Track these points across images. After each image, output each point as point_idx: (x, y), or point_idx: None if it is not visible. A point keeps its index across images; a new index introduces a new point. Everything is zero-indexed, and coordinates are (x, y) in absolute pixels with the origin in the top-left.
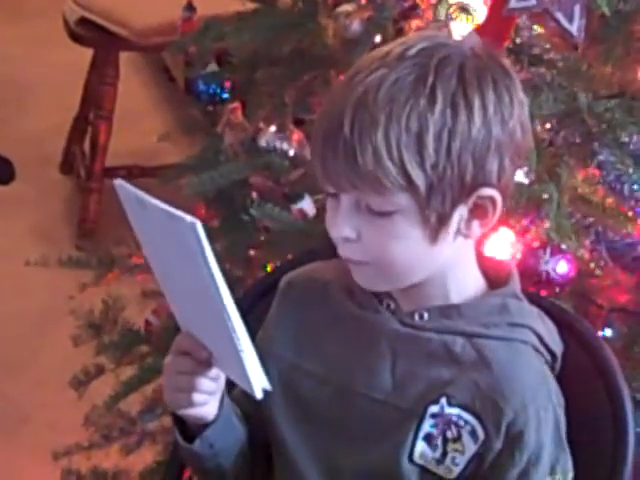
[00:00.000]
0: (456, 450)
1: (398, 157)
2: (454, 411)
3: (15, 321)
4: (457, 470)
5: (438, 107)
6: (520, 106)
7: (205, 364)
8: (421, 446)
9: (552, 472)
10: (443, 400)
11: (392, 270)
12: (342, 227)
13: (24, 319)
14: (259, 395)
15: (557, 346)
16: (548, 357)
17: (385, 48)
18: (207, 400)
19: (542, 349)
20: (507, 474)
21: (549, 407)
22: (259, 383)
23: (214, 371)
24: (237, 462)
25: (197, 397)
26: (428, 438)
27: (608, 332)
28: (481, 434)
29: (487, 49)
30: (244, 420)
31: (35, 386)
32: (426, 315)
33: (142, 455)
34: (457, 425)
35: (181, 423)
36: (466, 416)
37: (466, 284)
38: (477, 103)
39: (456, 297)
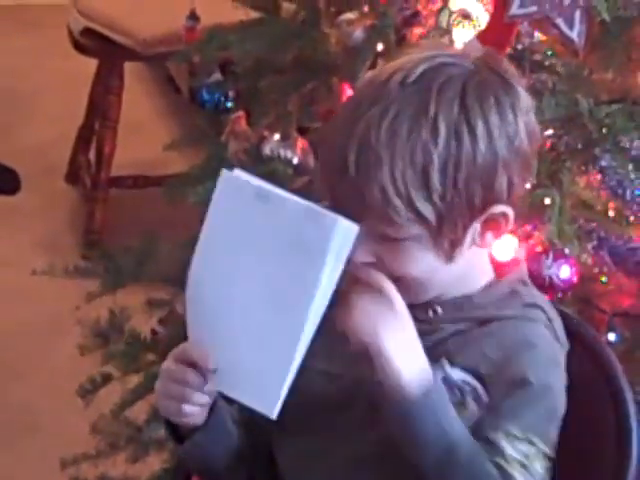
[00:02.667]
0: (462, 416)
1: (405, 193)
2: (456, 374)
3: (21, 330)
4: None
5: (441, 138)
6: (525, 115)
7: (202, 377)
8: None
9: (526, 432)
10: (443, 361)
11: (412, 287)
12: (359, 254)
13: (30, 328)
14: (275, 415)
15: (564, 341)
16: (557, 340)
17: (385, 72)
18: (196, 411)
19: (551, 329)
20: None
21: (553, 373)
22: (280, 403)
23: (209, 386)
24: (232, 466)
25: (187, 408)
26: None
27: (611, 336)
28: (484, 398)
29: (489, 61)
30: (244, 426)
31: (42, 395)
32: (439, 309)
33: (149, 463)
34: (460, 389)
35: (173, 424)
36: (469, 379)
37: (479, 279)
38: (481, 129)
39: (471, 288)
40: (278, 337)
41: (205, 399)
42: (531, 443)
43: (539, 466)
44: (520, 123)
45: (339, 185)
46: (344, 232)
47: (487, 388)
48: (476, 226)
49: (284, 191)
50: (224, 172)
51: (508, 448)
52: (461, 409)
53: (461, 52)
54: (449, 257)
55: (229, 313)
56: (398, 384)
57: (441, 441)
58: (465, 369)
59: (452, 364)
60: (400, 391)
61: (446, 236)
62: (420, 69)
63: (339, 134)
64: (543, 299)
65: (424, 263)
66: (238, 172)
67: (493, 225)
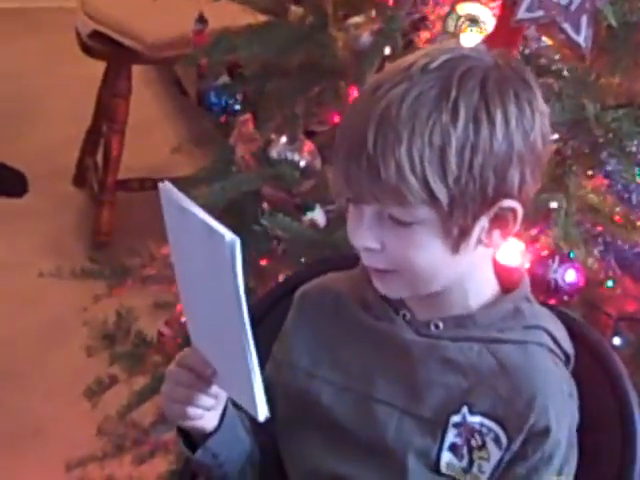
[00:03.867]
0: (481, 458)
1: (421, 172)
2: (476, 419)
3: (28, 332)
4: (484, 478)
5: (461, 122)
6: (541, 117)
7: (206, 380)
8: (447, 457)
9: (560, 473)
10: (464, 409)
11: (415, 278)
12: (365, 238)
13: (37, 330)
14: (262, 418)
15: (569, 348)
16: (563, 357)
17: (408, 60)
18: (203, 415)
19: (557, 350)
20: (516, 469)
21: (566, 410)
22: (263, 407)
23: (214, 388)
24: (244, 472)
25: (192, 411)
26: (453, 448)
27: (617, 341)
28: (504, 440)
29: (509, 60)
30: (254, 433)
31: (48, 397)
32: (441, 325)
33: (155, 465)
34: (480, 433)
35: (186, 433)
36: (488, 423)
37: (483, 290)
38: (499, 117)
39: (473, 303)
40: (231, 344)
41: (210, 402)
42: None
43: None
44: (537, 120)
45: (355, 162)
46: (234, 244)
47: (505, 429)
48: (484, 222)
49: (197, 207)
50: (160, 184)
51: None
52: (482, 452)
53: (483, 49)
54: (456, 248)
55: (200, 319)
56: None
57: None
58: (483, 414)
59: (472, 411)
60: None
61: (456, 222)
62: (443, 57)
63: (359, 114)
64: (545, 316)
65: (429, 251)
66: (168, 185)
67: (501, 223)
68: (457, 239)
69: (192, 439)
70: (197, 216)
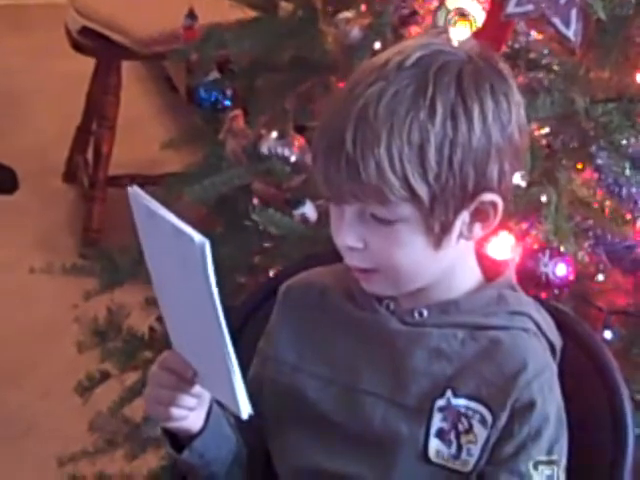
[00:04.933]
0: (470, 442)
1: (401, 170)
2: (461, 402)
3: (19, 329)
4: (473, 460)
5: (438, 119)
6: (517, 108)
7: (187, 381)
8: (435, 443)
9: (550, 451)
10: (448, 393)
11: (399, 276)
12: (347, 237)
13: (28, 327)
14: (245, 416)
15: (556, 339)
16: (547, 347)
17: (383, 57)
18: (187, 415)
19: (541, 337)
20: (504, 448)
21: (554, 387)
22: (245, 405)
23: (196, 388)
24: (231, 471)
25: (176, 411)
26: (440, 434)
27: (607, 334)
28: (489, 418)
29: (483, 53)
30: (239, 429)
31: (40, 394)
32: (425, 312)
33: (147, 460)
34: (466, 416)
35: (172, 434)
36: (474, 405)
37: (466, 280)
38: (476, 112)
39: (455, 292)
40: (209, 344)
41: (192, 402)
42: (554, 463)
43: (562, 478)
44: (513, 112)
45: (335, 163)
46: (204, 246)
47: (491, 410)
48: (465, 216)
49: (165, 210)
50: (128, 189)
51: (537, 477)
52: (470, 435)
53: (458, 44)
54: (438, 243)
55: (177, 321)
56: None
57: None
58: (467, 396)
59: (455, 395)
60: None
61: (437, 218)
62: (417, 54)
63: (336, 114)
64: (530, 303)
65: (412, 249)
66: (137, 190)
67: (482, 216)
68: (439, 235)
69: (178, 440)
70: (166, 219)
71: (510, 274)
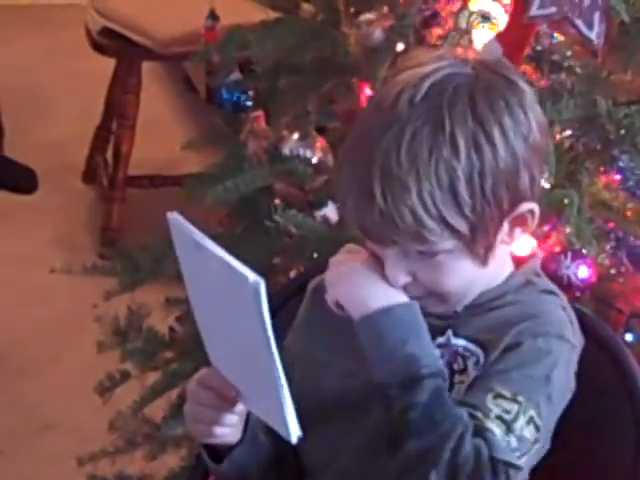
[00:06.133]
0: (461, 382)
1: (437, 213)
2: (460, 342)
3: (38, 328)
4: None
5: (462, 153)
6: (532, 109)
7: (230, 401)
8: None
9: (515, 394)
10: (449, 332)
11: (450, 297)
12: (395, 277)
13: (47, 326)
14: (294, 440)
15: (578, 336)
16: (573, 319)
17: (389, 95)
18: (228, 432)
19: (570, 311)
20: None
21: (552, 345)
22: (295, 429)
23: (239, 407)
24: (264, 473)
25: (218, 430)
26: None
27: (628, 337)
28: (482, 361)
29: (487, 63)
30: (270, 431)
31: (58, 392)
32: (460, 309)
33: (166, 460)
34: (463, 357)
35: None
36: (472, 347)
37: (501, 272)
38: (497, 135)
39: (491, 285)
40: (260, 373)
41: (235, 419)
42: (517, 402)
43: (523, 426)
44: (531, 119)
45: (368, 215)
46: (259, 286)
47: (486, 350)
48: (505, 226)
49: (211, 242)
50: (168, 215)
51: (491, 405)
52: (463, 376)
53: (456, 57)
54: (485, 262)
55: (221, 346)
56: (364, 304)
57: (402, 356)
58: (467, 338)
59: (456, 335)
60: (365, 307)
61: (480, 243)
62: (425, 85)
63: (358, 165)
64: (557, 289)
65: (460, 273)
66: (178, 217)
67: (521, 221)
68: (484, 255)
69: (215, 449)
70: (214, 254)
71: (536, 262)
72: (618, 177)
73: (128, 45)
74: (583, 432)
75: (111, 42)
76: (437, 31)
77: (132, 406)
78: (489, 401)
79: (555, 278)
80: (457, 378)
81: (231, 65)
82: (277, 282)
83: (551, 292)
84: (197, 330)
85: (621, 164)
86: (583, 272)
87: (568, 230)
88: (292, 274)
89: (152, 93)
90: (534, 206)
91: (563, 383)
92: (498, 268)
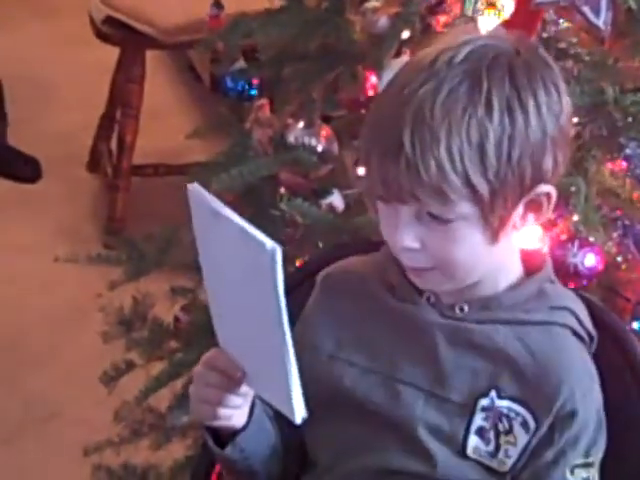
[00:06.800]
0: (508, 442)
1: (462, 169)
2: (504, 404)
3: (43, 317)
4: (510, 462)
5: (496, 114)
6: (565, 97)
7: (235, 382)
8: (474, 440)
9: (587, 455)
10: (493, 393)
11: (455, 273)
12: (404, 238)
13: (52, 315)
14: (299, 420)
15: (592, 328)
16: (587, 338)
17: (429, 55)
18: (233, 414)
19: (581, 331)
20: (543, 454)
21: (592, 390)
22: (300, 409)
23: (243, 388)
24: (269, 462)
25: (222, 411)
26: (480, 432)
27: (635, 325)
28: (532, 424)
29: (528, 44)
30: (275, 419)
31: (63, 382)
32: (466, 307)
33: (172, 450)
34: (508, 417)
35: (212, 428)
36: (516, 407)
37: (511, 273)
38: (531, 105)
39: (499, 287)
40: (268, 347)
41: (239, 401)
42: (591, 465)
43: (597, 476)
44: (564, 103)
45: (393, 165)
46: (275, 252)
47: (533, 413)
48: (520, 208)
49: (230, 211)
50: (189, 186)
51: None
52: (509, 437)
53: (499, 35)
54: (495, 238)
55: (231, 322)
56: None
57: None
58: (512, 398)
59: (500, 396)
60: None
61: (496, 214)
62: (465, 50)
63: (389, 116)
64: (570, 296)
65: (470, 245)
66: (198, 187)
67: (536, 207)
68: (496, 229)
69: (219, 434)
70: (232, 221)
71: (549, 267)
72: (625, 165)
73: (132, 34)
74: None
75: (115, 31)
76: (443, 18)
77: (137, 396)
78: (568, 475)
79: (562, 266)
80: (503, 439)
81: (235, 53)
82: (284, 271)
83: (563, 308)
84: (203, 320)
85: (628, 151)
86: (590, 260)
87: (575, 218)
88: (298, 263)
89: (156, 82)
90: (552, 190)
91: (602, 408)
92: (505, 261)
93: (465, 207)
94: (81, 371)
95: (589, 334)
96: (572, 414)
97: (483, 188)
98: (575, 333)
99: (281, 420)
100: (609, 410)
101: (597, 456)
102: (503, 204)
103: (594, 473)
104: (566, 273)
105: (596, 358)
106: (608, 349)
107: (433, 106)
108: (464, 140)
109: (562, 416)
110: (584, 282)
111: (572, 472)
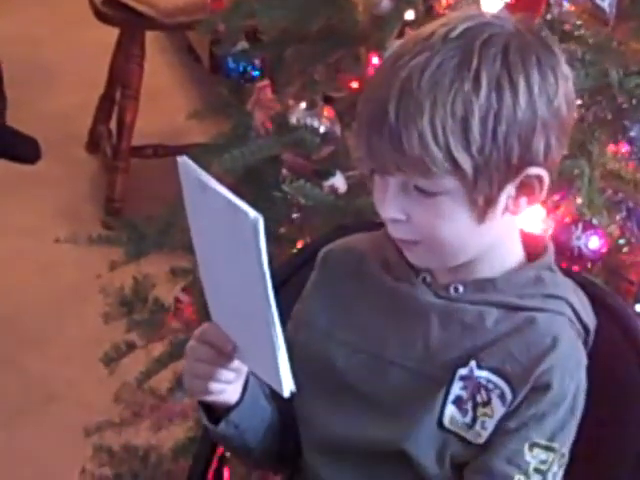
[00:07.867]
0: (485, 414)
1: (444, 142)
2: (483, 374)
3: (43, 299)
4: (485, 434)
5: (483, 91)
6: (565, 81)
7: (227, 356)
8: (451, 410)
9: (551, 438)
10: (472, 363)
11: (442, 249)
12: (390, 209)
13: (52, 296)
14: (287, 394)
15: (590, 320)
16: (581, 331)
17: (428, 29)
18: (224, 389)
19: (576, 322)
20: (506, 422)
21: (574, 375)
22: (288, 382)
23: (235, 362)
24: (264, 439)
25: (214, 386)
26: (458, 402)
27: (639, 307)
28: (509, 396)
29: (530, 26)
30: (272, 397)
31: (64, 363)
32: (461, 288)
33: (173, 432)
34: (487, 389)
35: (207, 405)
36: (495, 379)
37: (508, 258)
38: (522, 85)
39: (496, 270)
40: (255, 319)
41: (231, 376)
42: (552, 450)
43: (556, 472)
44: (560, 86)
45: (377, 134)
46: (258, 222)
47: (512, 387)
48: (511, 190)
49: (217, 182)
50: (178, 159)
51: (529, 458)
52: (486, 408)
53: (501, 16)
54: (482, 217)
55: (221, 295)
56: None
57: None
58: (491, 369)
59: (479, 366)
60: None
61: (481, 192)
62: (463, 26)
63: (380, 85)
64: (568, 287)
65: (456, 222)
66: (187, 160)
67: (528, 190)
68: (483, 208)
69: (214, 411)
70: (218, 192)
71: (550, 254)
72: (628, 147)
73: (132, 15)
74: (594, 399)
75: (115, 12)
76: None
77: (138, 377)
78: (526, 453)
79: (566, 249)
80: (480, 411)
81: (237, 34)
82: (285, 252)
83: (557, 297)
84: (203, 301)
85: (632, 134)
86: (594, 243)
87: (579, 201)
88: (300, 244)
89: (156, 63)
90: (543, 173)
91: (582, 400)
92: (500, 245)
93: (449, 182)
94: (82, 352)
95: (585, 327)
96: (545, 387)
97: (466, 163)
98: (571, 322)
99: (278, 398)
100: (610, 391)
101: (563, 445)
102: (488, 182)
103: (556, 461)
104: (570, 256)
105: (599, 341)
106: (610, 331)
107: (421, 77)
108: (448, 113)
109: (535, 387)
110: (588, 265)
111: (531, 449)
